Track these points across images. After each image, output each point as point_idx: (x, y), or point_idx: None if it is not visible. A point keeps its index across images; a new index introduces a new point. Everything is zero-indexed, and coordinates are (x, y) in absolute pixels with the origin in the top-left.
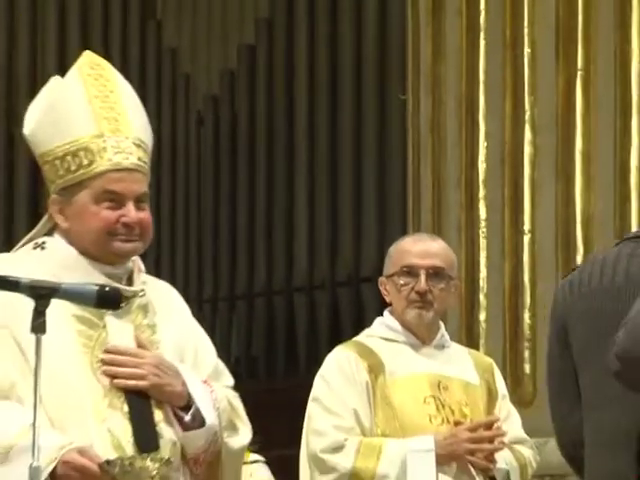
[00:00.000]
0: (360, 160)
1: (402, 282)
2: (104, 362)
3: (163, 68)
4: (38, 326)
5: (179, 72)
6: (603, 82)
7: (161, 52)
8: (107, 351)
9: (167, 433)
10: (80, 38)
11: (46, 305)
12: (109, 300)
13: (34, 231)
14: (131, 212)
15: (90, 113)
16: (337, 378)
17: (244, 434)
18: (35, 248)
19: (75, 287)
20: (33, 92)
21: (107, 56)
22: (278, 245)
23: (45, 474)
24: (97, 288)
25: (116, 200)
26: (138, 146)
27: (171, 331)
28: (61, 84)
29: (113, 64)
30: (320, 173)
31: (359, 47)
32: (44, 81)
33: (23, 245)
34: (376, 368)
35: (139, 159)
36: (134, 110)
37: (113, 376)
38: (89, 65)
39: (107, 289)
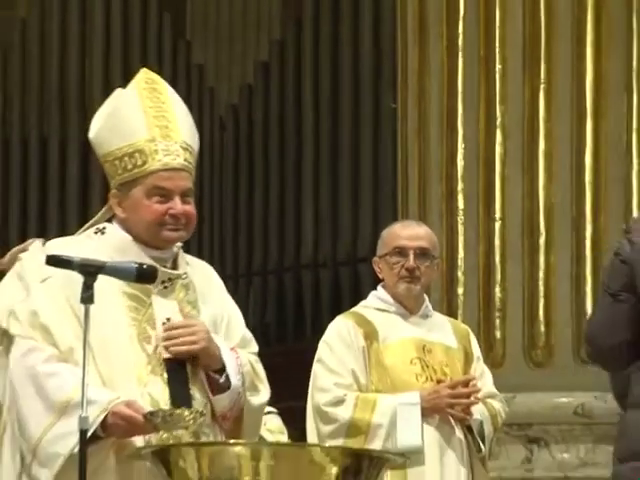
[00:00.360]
0: (357, 158)
1: (394, 261)
2: (164, 339)
3: (192, 81)
4: (87, 298)
5: (205, 85)
6: (562, 93)
7: (190, 68)
8: (164, 330)
9: (199, 396)
10: (121, 56)
11: (94, 280)
12: (146, 276)
13: (96, 218)
14: (177, 205)
15: (145, 121)
16: (338, 343)
17: (264, 394)
18: (96, 233)
19: (118, 265)
20: (82, 103)
21: None
22: (288, 230)
23: (97, 423)
24: (136, 266)
25: (165, 195)
26: (185, 149)
27: (208, 306)
28: (121, 96)
29: None
30: (323, 169)
31: (356, 64)
32: (91, 94)
33: (85, 230)
34: (371, 335)
35: (185, 160)
36: (183, 119)
37: (170, 344)
38: (145, 80)
39: (145, 266)
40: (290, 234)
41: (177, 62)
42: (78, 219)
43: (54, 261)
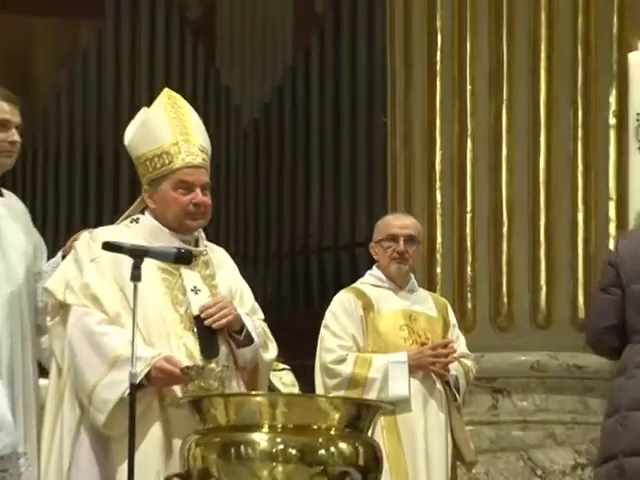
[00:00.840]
0: (355, 163)
1: (387, 245)
2: (203, 318)
3: (220, 100)
4: (135, 276)
5: (232, 104)
6: (521, 109)
7: (219, 89)
8: (200, 310)
9: (224, 348)
10: (164, 81)
11: (141, 262)
12: (183, 258)
13: (130, 210)
14: (199, 195)
15: (169, 129)
16: (340, 312)
17: (272, 350)
18: (132, 222)
19: (160, 249)
20: (132, 117)
21: (182, 93)
22: (299, 221)
23: (141, 376)
24: (175, 250)
25: (188, 188)
26: (202, 151)
27: (224, 279)
28: (149, 110)
29: (186, 98)
30: (327, 172)
31: (354, 86)
32: (139, 109)
33: (122, 220)
34: (368, 306)
35: (203, 159)
36: (198, 127)
37: (212, 322)
38: (167, 97)
39: (182, 251)
40: (300, 224)
41: (209, 85)
42: (129, 204)
43: (109, 247)
